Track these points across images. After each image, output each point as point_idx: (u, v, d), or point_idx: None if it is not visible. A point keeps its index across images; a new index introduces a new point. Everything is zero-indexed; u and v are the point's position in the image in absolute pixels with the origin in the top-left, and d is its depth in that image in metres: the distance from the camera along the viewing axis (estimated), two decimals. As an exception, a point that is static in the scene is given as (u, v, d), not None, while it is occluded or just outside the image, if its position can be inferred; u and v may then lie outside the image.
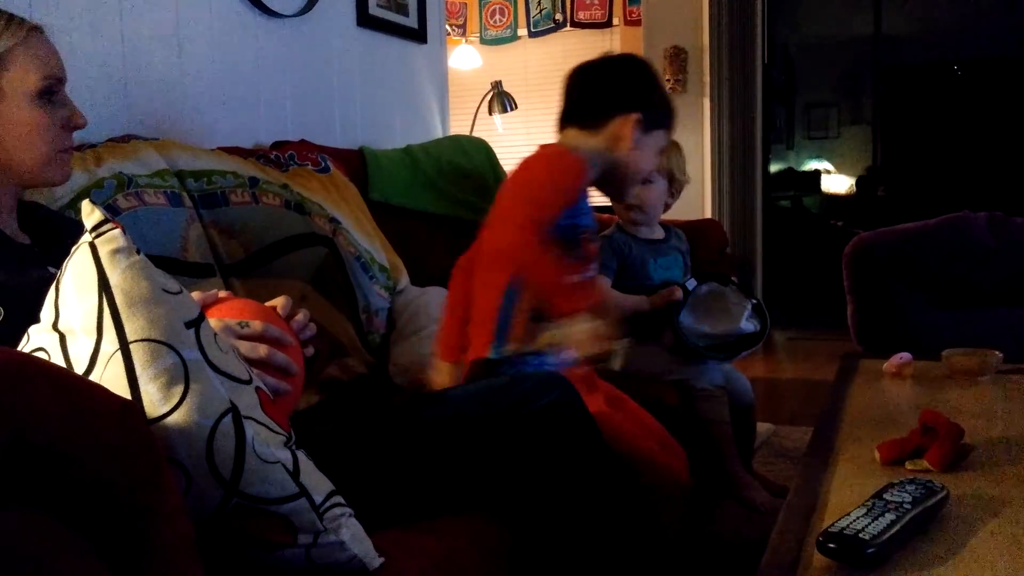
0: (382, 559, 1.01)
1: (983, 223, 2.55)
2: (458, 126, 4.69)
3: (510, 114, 5.51)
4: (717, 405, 2.08)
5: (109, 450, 0.70)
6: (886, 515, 0.97)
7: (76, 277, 0.86)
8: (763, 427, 2.85)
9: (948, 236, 2.54)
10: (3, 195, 1.22)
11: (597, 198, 2.02)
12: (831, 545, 0.93)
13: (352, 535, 0.97)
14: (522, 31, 6.18)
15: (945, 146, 5.12)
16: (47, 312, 0.89)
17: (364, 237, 2.23)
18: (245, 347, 1.06)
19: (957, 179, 5.20)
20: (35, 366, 0.69)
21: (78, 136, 1.31)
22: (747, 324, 2.17)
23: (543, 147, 1.69)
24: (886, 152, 5.65)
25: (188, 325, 0.88)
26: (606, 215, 2.40)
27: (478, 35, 6.24)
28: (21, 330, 0.91)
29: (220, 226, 1.83)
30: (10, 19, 1.19)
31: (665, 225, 2.36)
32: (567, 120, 1.70)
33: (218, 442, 0.86)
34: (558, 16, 6.08)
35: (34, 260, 1.19)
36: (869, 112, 5.70)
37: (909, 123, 5.46)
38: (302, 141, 2.39)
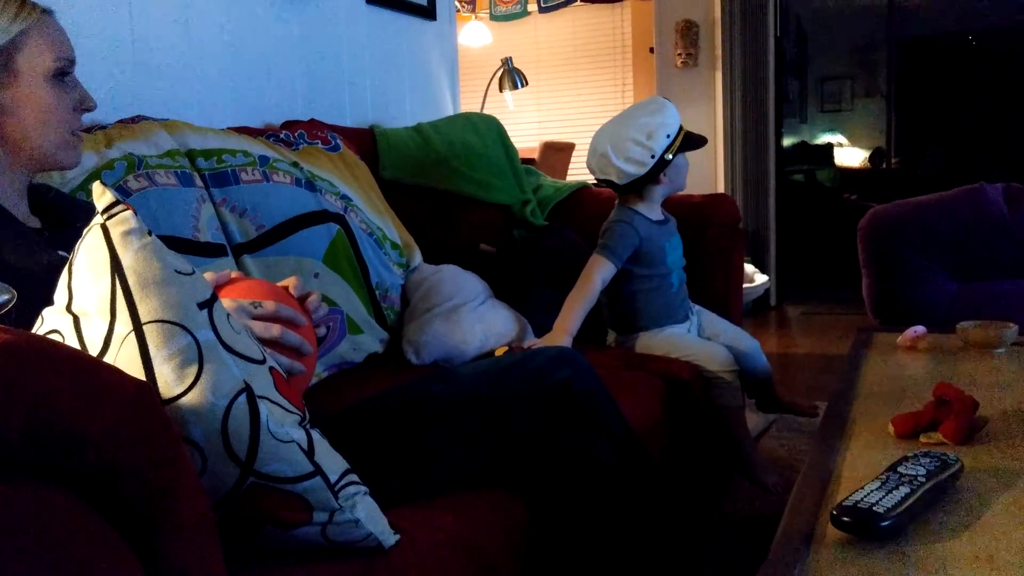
0: (397, 536, 1.02)
1: (999, 195, 2.52)
2: (469, 103, 4.68)
3: (521, 91, 5.49)
4: (730, 390, 2.07)
5: (125, 431, 0.71)
6: (900, 488, 0.97)
7: (89, 259, 0.86)
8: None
9: (964, 208, 2.51)
10: (14, 178, 1.22)
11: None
12: (845, 518, 0.93)
13: (367, 513, 0.98)
14: (532, 6, 6.14)
15: (960, 118, 5.07)
16: (60, 294, 0.90)
17: (375, 214, 2.23)
18: (258, 327, 1.07)
19: (973, 151, 5.16)
20: (49, 348, 0.69)
21: (88, 117, 1.32)
22: None
23: None
24: (901, 125, 5.59)
25: (201, 306, 0.88)
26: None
27: (488, 11, 6.20)
28: (34, 313, 0.92)
29: (231, 205, 1.83)
30: (22, 2, 1.20)
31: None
32: None
33: (233, 422, 0.86)
34: (568, -9, 6.03)
35: (44, 244, 1.19)
36: (883, 84, 5.64)
37: (924, 95, 5.41)
38: (312, 120, 2.39)
